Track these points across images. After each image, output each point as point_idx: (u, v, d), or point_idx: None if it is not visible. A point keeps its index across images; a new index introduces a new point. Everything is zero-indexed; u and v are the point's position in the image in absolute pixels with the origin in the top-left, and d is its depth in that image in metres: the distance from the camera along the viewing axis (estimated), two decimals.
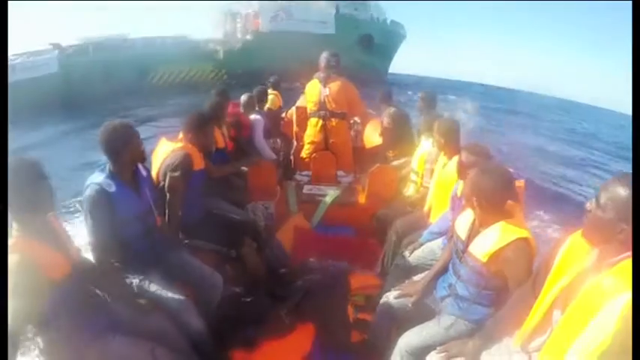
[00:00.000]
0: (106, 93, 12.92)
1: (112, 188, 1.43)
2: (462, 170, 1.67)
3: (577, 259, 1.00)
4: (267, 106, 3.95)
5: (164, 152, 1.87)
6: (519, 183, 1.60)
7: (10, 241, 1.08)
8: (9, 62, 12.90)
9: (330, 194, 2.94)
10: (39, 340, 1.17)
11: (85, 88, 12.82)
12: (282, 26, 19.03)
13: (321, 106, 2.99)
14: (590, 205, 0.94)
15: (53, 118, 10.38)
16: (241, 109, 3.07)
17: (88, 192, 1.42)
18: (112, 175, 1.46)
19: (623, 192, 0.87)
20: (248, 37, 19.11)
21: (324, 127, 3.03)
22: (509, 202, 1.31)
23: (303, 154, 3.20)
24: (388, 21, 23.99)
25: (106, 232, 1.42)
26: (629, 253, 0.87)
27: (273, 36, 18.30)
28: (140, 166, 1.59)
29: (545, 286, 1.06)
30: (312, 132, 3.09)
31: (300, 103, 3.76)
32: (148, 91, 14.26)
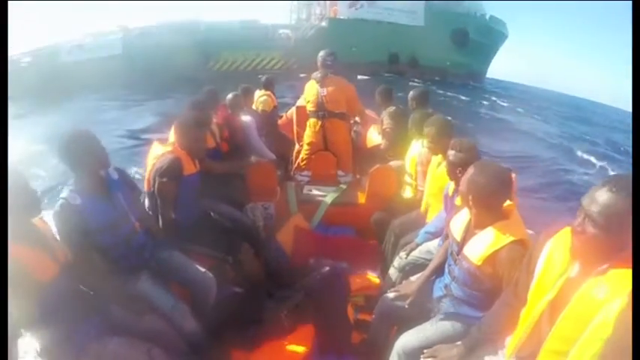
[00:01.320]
0: (165, 78, 12.34)
1: (77, 201, 1.38)
2: (452, 170, 1.62)
3: (560, 270, 0.96)
4: (260, 108, 3.85)
5: (155, 156, 1.85)
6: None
7: None
8: (77, 42, 13.24)
9: (330, 194, 2.94)
10: (37, 341, 1.19)
11: (145, 72, 12.33)
12: (362, 14, 17.69)
13: (320, 106, 2.97)
14: (581, 225, 0.86)
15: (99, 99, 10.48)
16: (228, 110, 3.00)
17: (55, 208, 1.38)
18: (77, 187, 1.41)
19: (614, 200, 0.80)
20: (323, 23, 17.67)
21: (322, 128, 3.02)
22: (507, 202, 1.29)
23: (303, 154, 3.19)
24: (487, 16, 21.02)
25: (76, 246, 1.37)
26: (615, 262, 0.84)
27: (352, 24, 17.08)
28: (111, 170, 1.54)
29: (530, 299, 1.04)
30: (311, 133, 3.08)
31: (300, 102, 3.70)
32: (208, 77, 13.12)
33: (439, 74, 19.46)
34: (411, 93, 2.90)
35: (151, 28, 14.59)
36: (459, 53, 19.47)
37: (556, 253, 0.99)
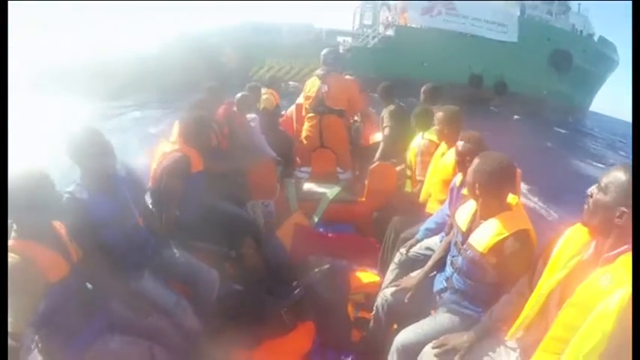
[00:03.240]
0: (200, 82, 10.46)
1: (84, 195, 1.39)
2: (461, 160, 1.68)
3: (574, 251, 1.00)
4: (262, 106, 3.82)
5: (162, 153, 1.85)
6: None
7: (9, 242, 1.09)
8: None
9: (330, 192, 2.95)
10: (39, 340, 1.21)
11: (181, 75, 10.75)
12: (439, 22, 14.15)
13: (319, 102, 2.99)
14: (591, 190, 0.95)
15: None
16: (234, 108, 3.01)
17: (61, 202, 1.36)
18: (83, 182, 1.42)
19: (625, 176, 0.88)
20: (389, 32, 14.52)
21: (319, 123, 3.04)
22: (511, 194, 1.32)
23: (300, 149, 3.23)
24: (596, 37, 16.83)
25: (80, 241, 1.36)
26: (626, 247, 0.87)
27: (425, 34, 13.72)
28: (119, 166, 1.54)
29: (541, 279, 1.06)
30: (308, 127, 3.11)
31: (300, 100, 3.73)
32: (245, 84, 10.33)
33: (532, 105, 15.09)
34: (424, 87, 2.88)
35: (191, 31, 13.27)
36: (559, 81, 15.29)
37: (572, 238, 1.03)
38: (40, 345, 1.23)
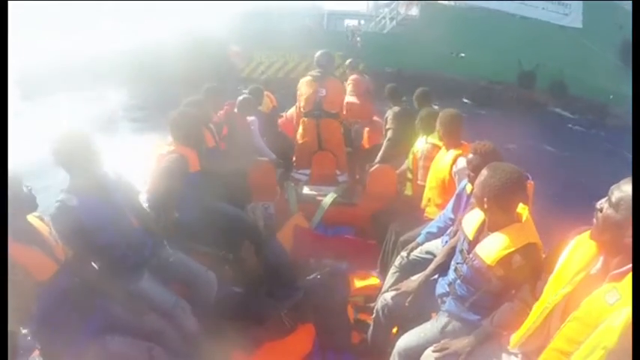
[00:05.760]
0: (182, 89, 6.96)
1: (74, 202, 1.35)
2: (474, 173, 1.63)
3: (581, 265, 0.98)
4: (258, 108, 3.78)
5: (159, 155, 1.84)
6: (528, 184, 1.56)
7: None
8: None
9: (330, 194, 2.95)
10: (38, 342, 1.22)
11: (167, 76, 8.39)
12: (480, 1, 10.46)
13: (316, 106, 2.98)
14: (601, 204, 0.93)
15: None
16: (235, 110, 3.01)
17: (52, 211, 1.35)
18: (73, 188, 1.38)
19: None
20: (412, 11, 11.19)
21: (317, 127, 3.03)
22: (521, 205, 1.30)
23: (298, 153, 3.23)
24: None
25: (76, 248, 1.35)
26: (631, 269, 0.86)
27: (459, 16, 10.38)
28: (108, 169, 1.51)
29: (546, 291, 1.05)
30: (304, 132, 3.10)
31: None
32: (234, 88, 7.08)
33: (595, 111, 10.96)
34: (416, 91, 2.90)
35: (181, 27, 10.36)
36: (629, 79, 11.92)
37: (579, 250, 1.01)
38: (39, 347, 1.24)
